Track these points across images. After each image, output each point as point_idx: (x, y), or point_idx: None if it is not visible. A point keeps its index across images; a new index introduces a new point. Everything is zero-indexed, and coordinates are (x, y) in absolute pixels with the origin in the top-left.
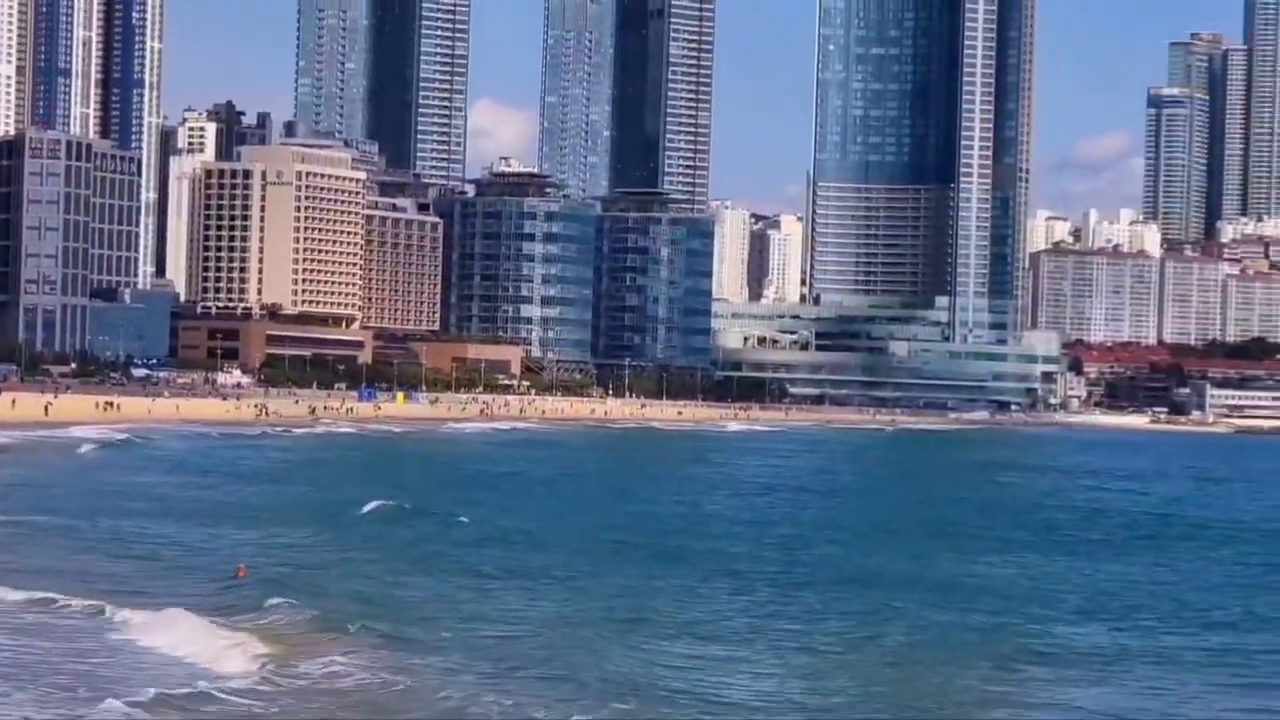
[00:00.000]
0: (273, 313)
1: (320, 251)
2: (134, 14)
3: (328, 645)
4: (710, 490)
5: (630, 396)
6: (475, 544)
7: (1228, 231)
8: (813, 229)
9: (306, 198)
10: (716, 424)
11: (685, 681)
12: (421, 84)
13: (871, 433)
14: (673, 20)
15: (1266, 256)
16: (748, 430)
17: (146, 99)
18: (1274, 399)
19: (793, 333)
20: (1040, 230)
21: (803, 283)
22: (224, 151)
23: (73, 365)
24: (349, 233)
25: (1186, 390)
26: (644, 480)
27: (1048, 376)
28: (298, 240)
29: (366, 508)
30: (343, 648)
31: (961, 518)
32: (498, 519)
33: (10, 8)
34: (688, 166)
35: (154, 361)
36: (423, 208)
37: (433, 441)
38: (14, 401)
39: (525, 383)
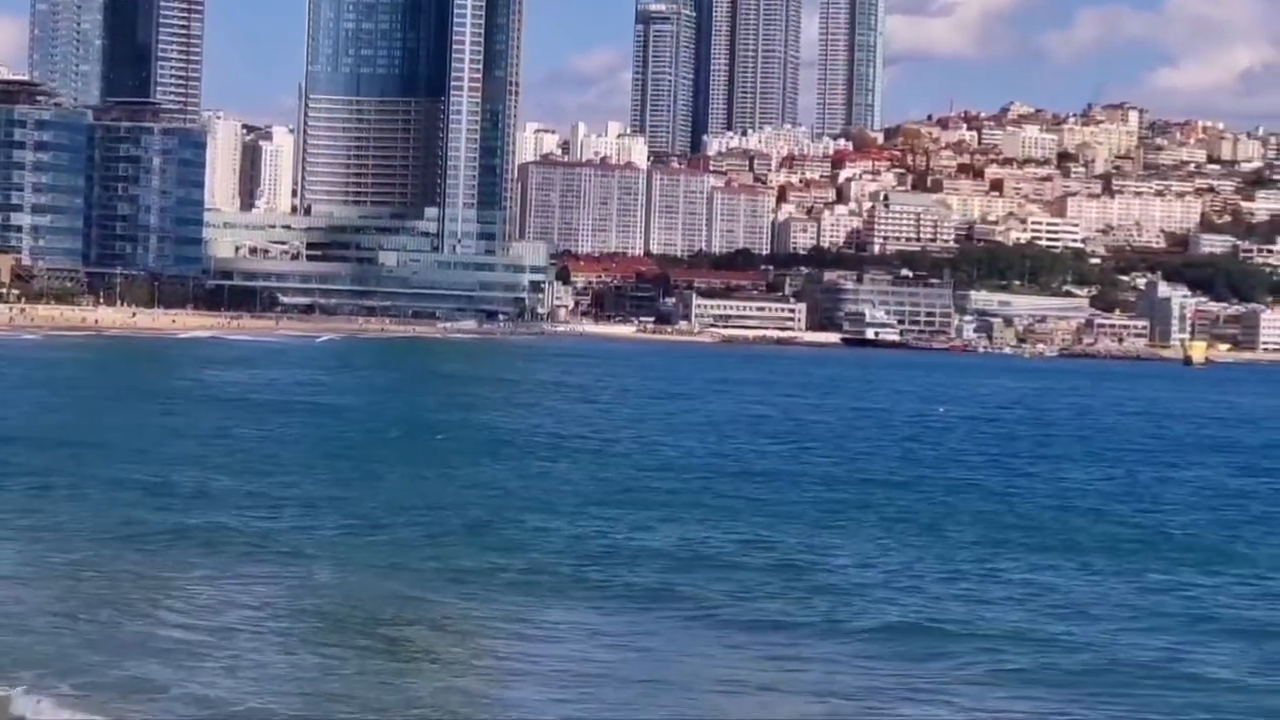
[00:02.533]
0: None
1: None
2: None
3: None
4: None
5: (122, 305)
6: None
7: (713, 145)
8: (304, 141)
9: None
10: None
11: None
12: None
13: (365, 340)
14: None
15: (751, 170)
16: (240, 339)
17: None
18: (758, 309)
19: (284, 243)
20: (530, 142)
21: (294, 194)
22: None
23: None
24: None
25: (673, 300)
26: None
27: (535, 286)
28: None
29: None
30: None
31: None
32: None
33: None
34: (180, 77)
35: None
36: None
37: None
38: None
39: (15, 291)
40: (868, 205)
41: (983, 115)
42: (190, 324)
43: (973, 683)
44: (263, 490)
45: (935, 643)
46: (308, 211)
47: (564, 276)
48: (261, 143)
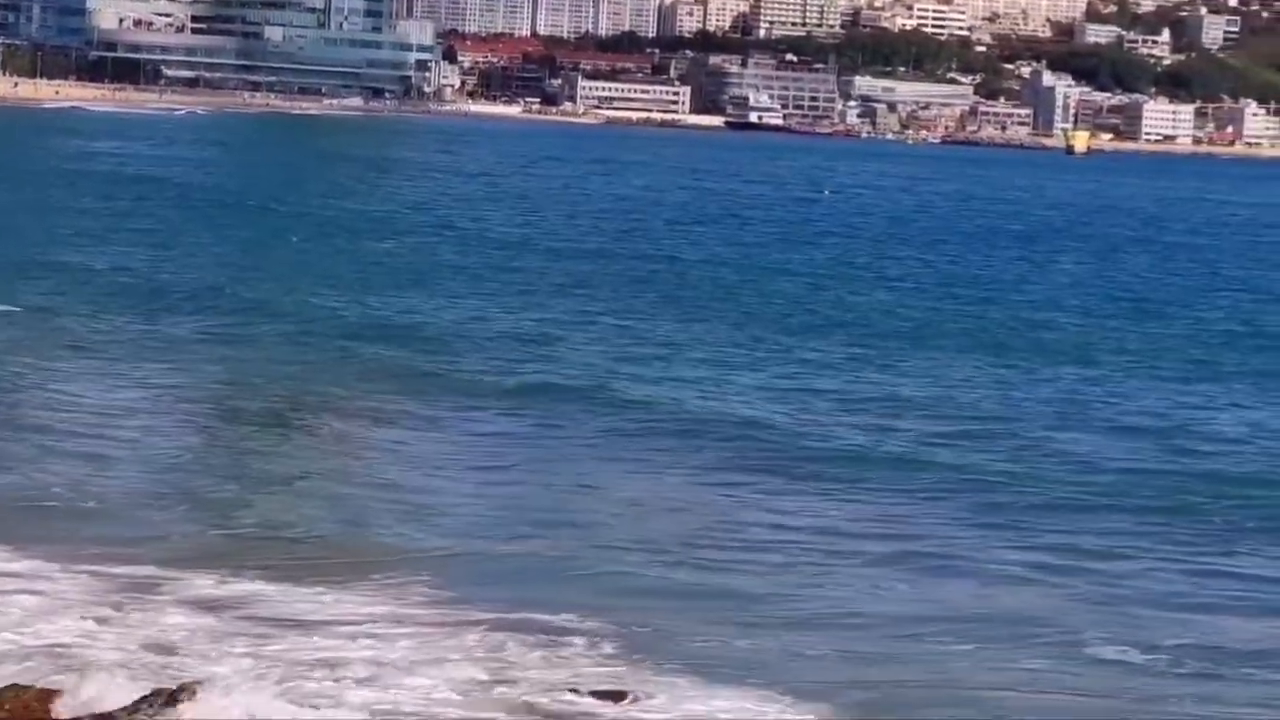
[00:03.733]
0: None
1: None
2: None
3: None
4: None
5: (4, 75)
6: None
7: None
8: None
9: None
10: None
11: None
12: None
13: (247, 117)
14: None
15: None
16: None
17: None
18: (642, 92)
19: (168, 15)
20: None
21: None
22: None
23: None
24: None
25: (558, 82)
26: None
27: (422, 65)
28: None
29: None
30: None
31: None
32: None
33: None
34: None
35: None
36: None
37: None
38: None
39: None
40: None
41: None
42: (73, 95)
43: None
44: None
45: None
46: None
47: (450, 56)
48: None
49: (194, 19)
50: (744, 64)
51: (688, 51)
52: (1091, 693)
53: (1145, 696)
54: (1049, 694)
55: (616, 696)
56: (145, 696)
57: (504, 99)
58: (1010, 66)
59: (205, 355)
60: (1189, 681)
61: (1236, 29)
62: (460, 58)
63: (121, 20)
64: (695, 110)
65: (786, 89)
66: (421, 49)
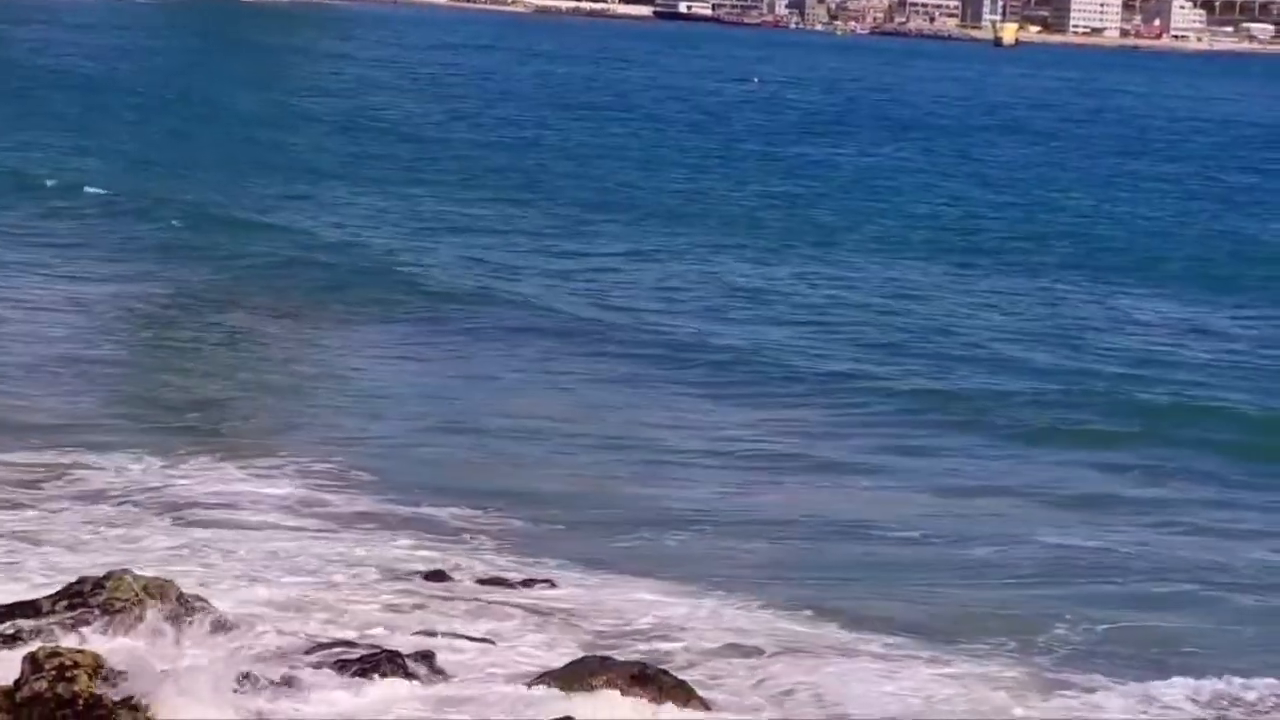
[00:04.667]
0: None
1: None
2: None
3: None
4: None
5: None
6: None
7: None
8: None
9: None
10: None
11: None
12: None
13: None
14: None
15: None
16: None
17: None
18: None
19: None
20: None
21: None
22: None
23: None
24: None
25: None
26: None
27: None
28: None
29: None
30: None
31: None
32: None
33: None
34: None
35: None
36: None
37: None
38: None
39: None
40: None
41: None
42: None
43: None
44: None
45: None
46: None
47: None
48: None
49: None
50: None
51: None
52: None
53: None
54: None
55: (530, 583)
56: (72, 584)
57: None
58: None
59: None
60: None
61: None
62: None
63: None
64: (625, 0)
65: None
66: None
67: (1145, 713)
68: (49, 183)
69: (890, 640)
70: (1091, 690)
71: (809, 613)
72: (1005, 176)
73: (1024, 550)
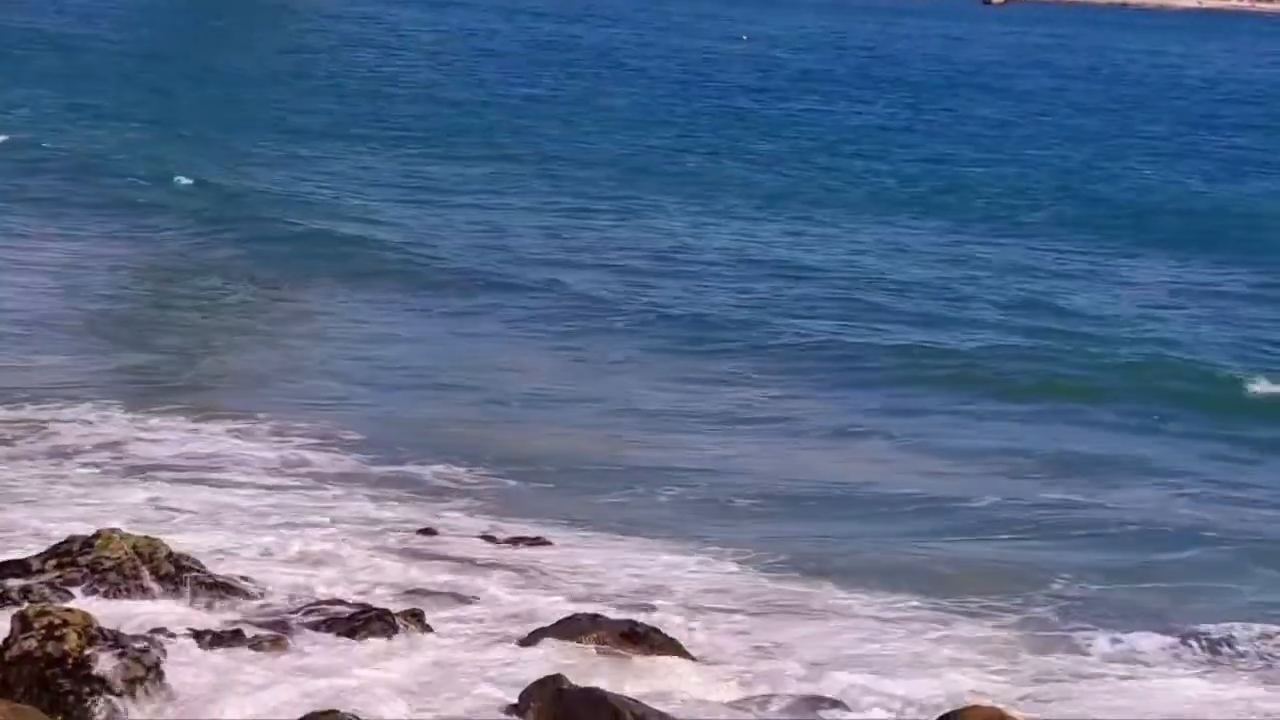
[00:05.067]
0: None
1: None
2: None
3: None
4: None
5: None
6: None
7: None
8: None
9: None
10: None
11: None
12: None
13: None
14: None
15: None
16: None
17: None
18: None
19: None
20: None
21: None
22: None
23: None
24: None
25: None
26: None
27: None
28: None
29: None
30: None
31: None
32: None
33: None
34: None
35: None
36: None
37: None
38: None
39: None
40: None
41: None
42: None
43: None
44: None
45: None
46: None
47: None
48: None
49: None
50: None
51: None
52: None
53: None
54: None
55: (519, 540)
56: (60, 544)
57: None
58: None
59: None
60: None
61: None
62: None
63: None
64: None
65: None
66: None
67: (1146, 665)
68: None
69: (888, 599)
70: (1089, 644)
71: (803, 571)
72: (995, 135)
73: (1019, 508)
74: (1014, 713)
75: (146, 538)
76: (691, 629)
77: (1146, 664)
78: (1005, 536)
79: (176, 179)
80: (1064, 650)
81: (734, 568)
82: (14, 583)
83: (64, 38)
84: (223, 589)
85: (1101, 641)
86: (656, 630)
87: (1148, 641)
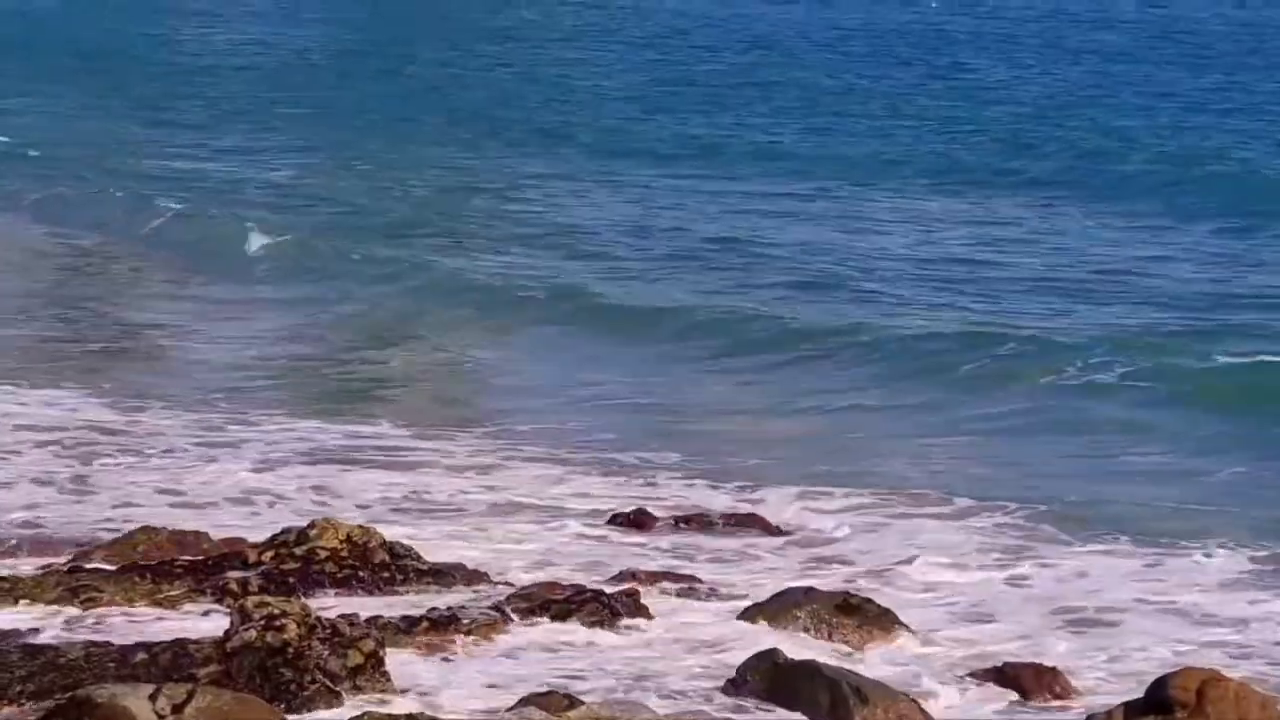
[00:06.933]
0: None
1: None
2: None
3: None
4: None
5: None
6: None
7: None
8: None
9: None
10: None
11: None
12: None
13: None
14: None
15: None
16: None
17: None
18: None
19: None
20: None
21: None
22: None
23: None
24: None
25: None
26: None
27: None
28: None
29: None
30: None
31: None
32: None
33: None
34: None
35: None
36: None
37: None
38: None
39: None
40: None
41: None
42: None
43: None
44: None
45: None
46: None
47: None
48: None
49: None
50: None
51: None
52: None
53: None
54: None
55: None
56: (277, 535)
57: None
58: None
59: None
60: None
61: None
62: None
63: None
64: None
65: None
66: None
67: None
68: None
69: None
70: None
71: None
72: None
73: None
74: (1229, 675)
75: (361, 526)
76: (907, 596)
77: None
78: None
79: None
80: None
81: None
82: (234, 574)
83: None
84: (437, 575)
85: None
86: (870, 601)
87: None
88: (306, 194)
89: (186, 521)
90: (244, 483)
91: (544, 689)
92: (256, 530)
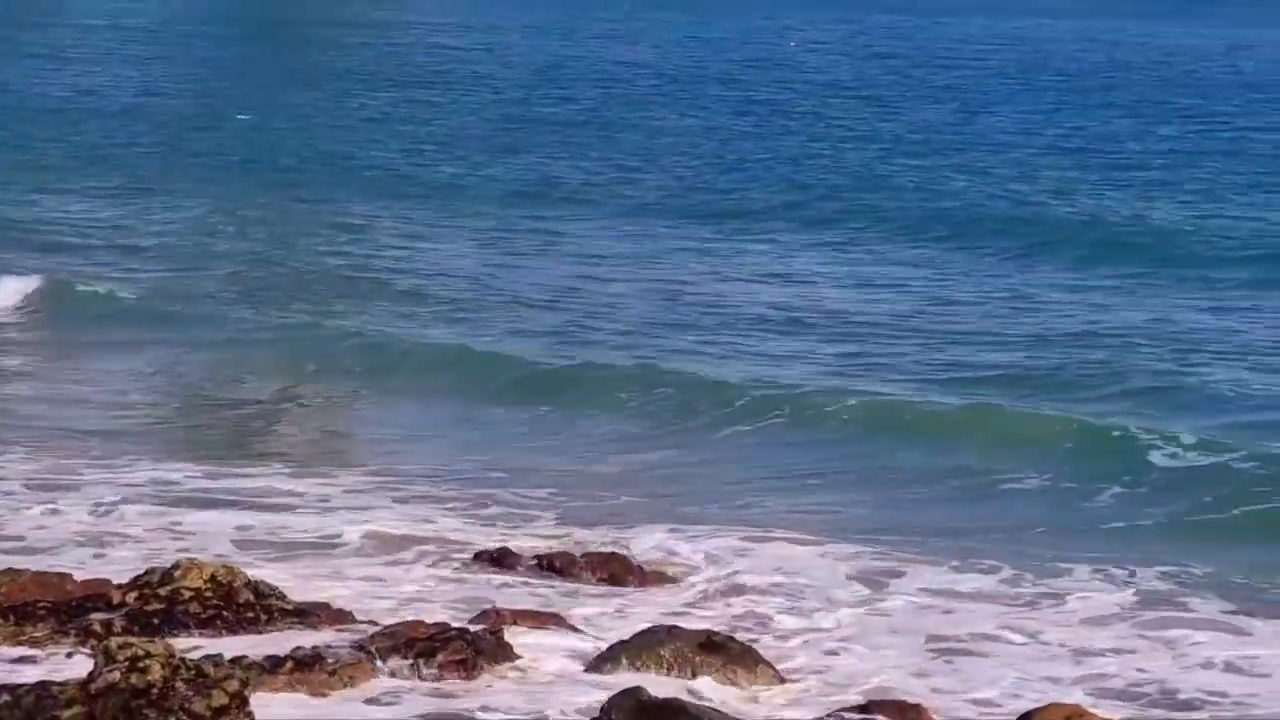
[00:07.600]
0: None
1: None
2: None
3: None
4: None
5: None
6: None
7: None
8: None
9: None
10: None
11: None
12: None
13: None
14: None
15: None
16: None
17: None
18: None
19: None
20: None
21: None
22: None
23: None
24: None
25: None
26: None
27: None
28: None
29: None
30: None
31: None
32: None
33: None
34: None
35: None
36: None
37: None
38: None
39: None
40: None
41: None
42: None
43: None
44: None
45: None
46: None
47: None
48: None
49: None
50: None
51: None
52: None
53: None
54: None
55: (595, 555)
56: (142, 574)
57: None
58: None
59: None
60: None
61: None
62: None
63: None
64: None
65: None
66: None
67: None
68: None
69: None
70: None
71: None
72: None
73: None
74: (1094, 711)
75: (226, 566)
76: (770, 631)
77: None
78: None
79: None
80: None
81: (820, 562)
82: (98, 616)
83: None
84: (302, 615)
85: None
86: (733, 639)
87: None
88: (141, 242)
89: (29, 566)
90: (88, 526)
91: None
92: (115, 572)
